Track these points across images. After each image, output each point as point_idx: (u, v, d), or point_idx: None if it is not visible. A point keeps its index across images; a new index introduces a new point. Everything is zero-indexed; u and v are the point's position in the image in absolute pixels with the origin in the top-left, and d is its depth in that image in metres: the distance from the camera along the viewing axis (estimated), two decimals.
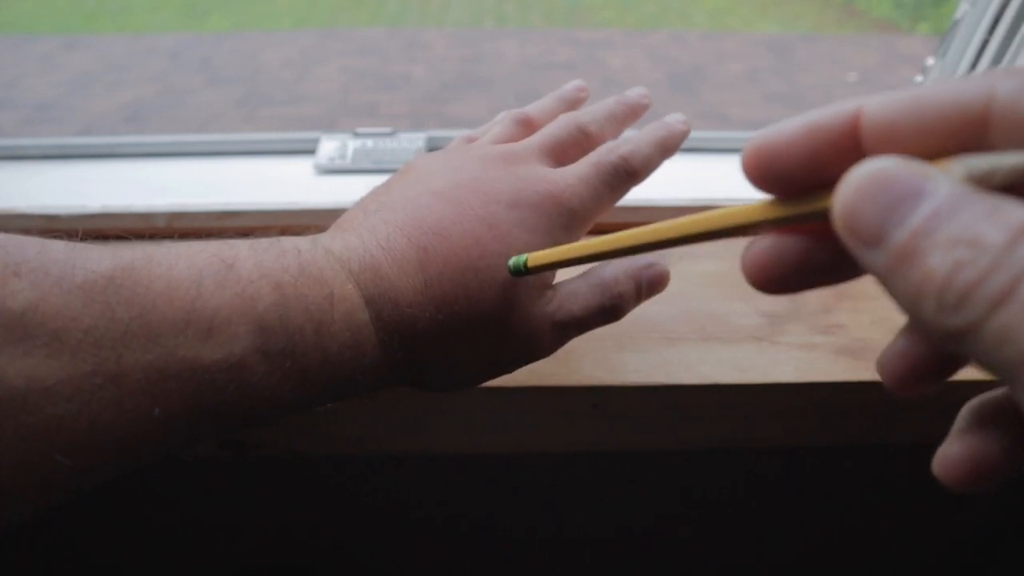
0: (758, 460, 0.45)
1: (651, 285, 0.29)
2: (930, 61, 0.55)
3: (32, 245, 0.19)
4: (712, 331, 0.38)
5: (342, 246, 0.24)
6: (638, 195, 0.46)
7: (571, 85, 0.35)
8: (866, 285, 0.41)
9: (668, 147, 0.30)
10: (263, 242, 0.23)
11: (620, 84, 3.02)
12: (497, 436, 0.38)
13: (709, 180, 0.57)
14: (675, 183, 0.56)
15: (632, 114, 0.33)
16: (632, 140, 0.29)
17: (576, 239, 0.28)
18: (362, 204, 0.27)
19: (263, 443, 0.38)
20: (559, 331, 0.28)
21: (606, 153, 0.29)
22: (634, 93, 0.33)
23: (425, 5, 4.47)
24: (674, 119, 0.31)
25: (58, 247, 0.19)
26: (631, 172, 0.29)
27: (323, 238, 0.24)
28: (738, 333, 0.38)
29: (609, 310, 0.28)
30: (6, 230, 0.45)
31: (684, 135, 0.31)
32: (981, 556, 0.52)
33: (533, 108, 0.33)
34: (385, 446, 0.39)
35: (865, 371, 0.35)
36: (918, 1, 4.27)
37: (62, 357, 0.18)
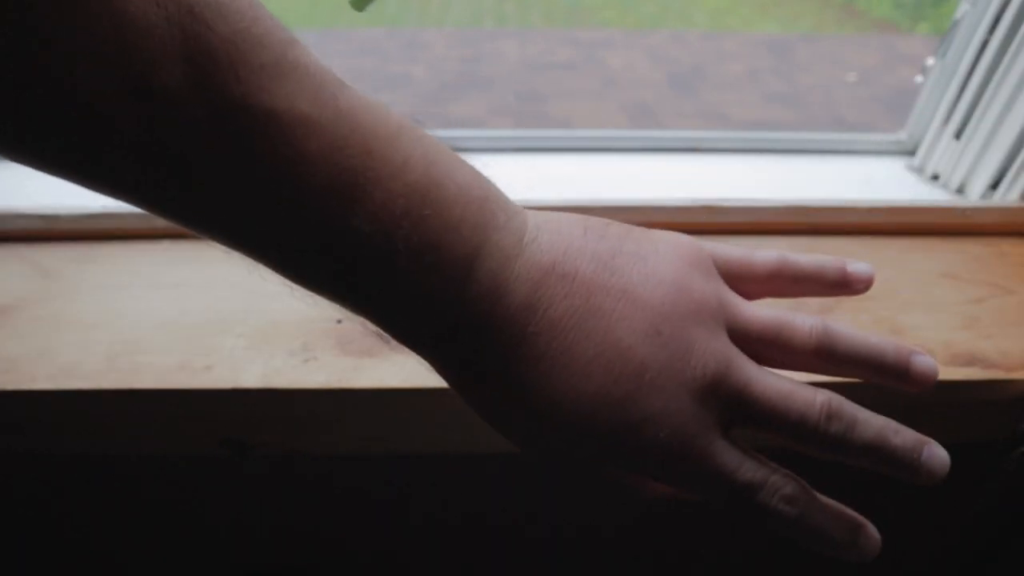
0: None
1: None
2: (930, 61, 0.55)
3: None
4: None
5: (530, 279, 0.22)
6: (638, 195, 0.46)
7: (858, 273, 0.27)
8: None
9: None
10: (498, 206, 0.22)
11: (620, 84, 3.02)
12: (497, 436, 0.38)
13: (709, 180, 0.57)
14: (675, 183, 0.56)
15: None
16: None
17: None
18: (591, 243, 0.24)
19: (263, 443, 0.38)
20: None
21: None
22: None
23: (425, 5, 4.47)
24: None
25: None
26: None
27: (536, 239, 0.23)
28: None
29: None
30: (7, 230, 0.45)
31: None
32: (981, 556, 0.52)
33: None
34: (385, 446, 0.39)
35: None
36: (918, 1, 4.27)
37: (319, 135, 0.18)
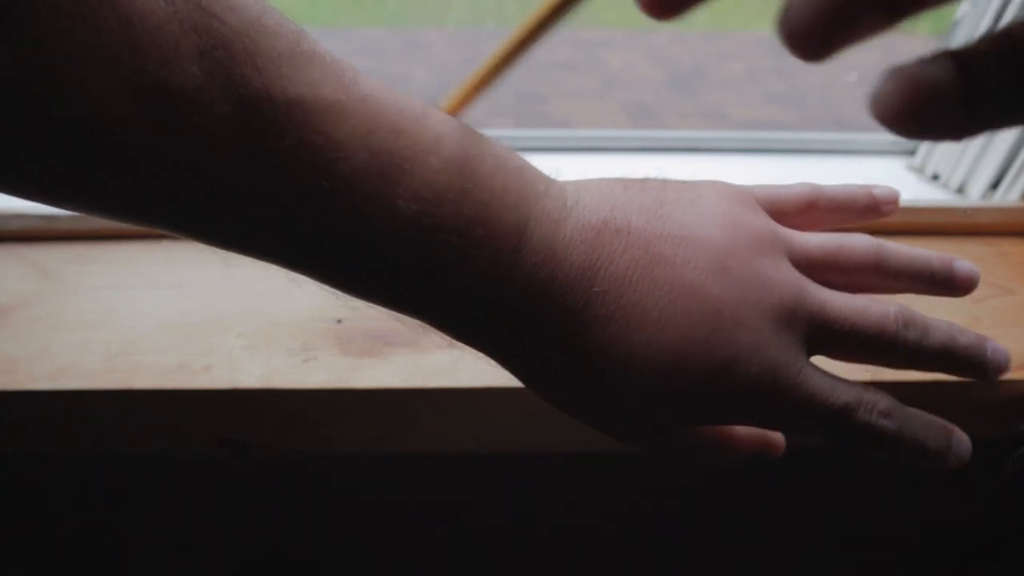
0: (758, 460, 0.45)
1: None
2: None
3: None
4: None
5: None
6: None
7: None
8: None
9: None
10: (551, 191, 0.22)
11: (620, 84, 3.02)
12: (497, 436, 0.38)
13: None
14: None
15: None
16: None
17: None
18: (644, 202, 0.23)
19: (263, 443, 0.38)
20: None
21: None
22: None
23: (425, 5, 4.47)
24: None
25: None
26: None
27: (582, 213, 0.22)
28: None
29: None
30: (6, 230, 0.45)
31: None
32: (981, 556, 0.52)
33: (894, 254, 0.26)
34: (385, 446, 0.39)
35: (865, 371, 0.35)
36: None
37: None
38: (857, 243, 0.25)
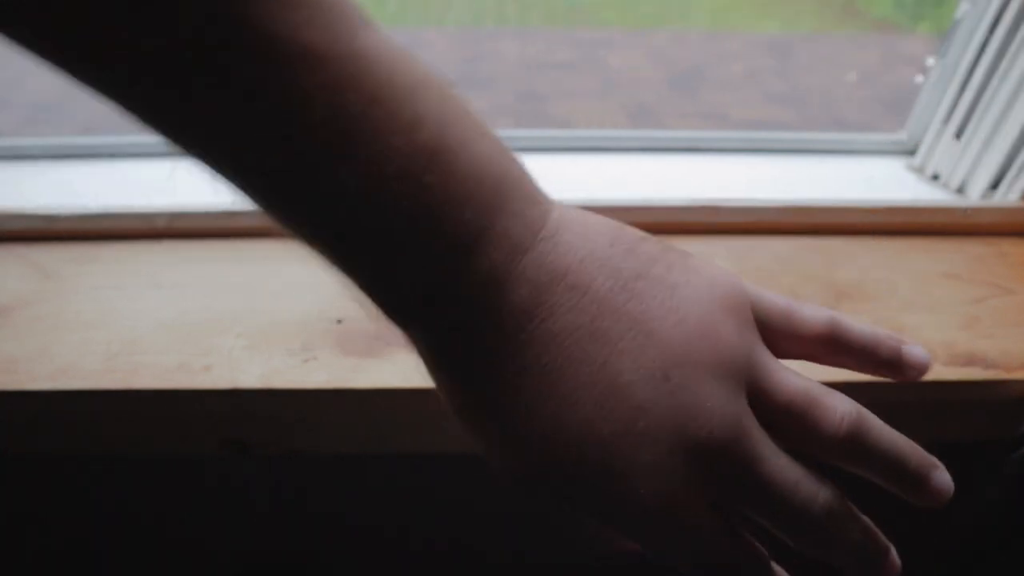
0: None
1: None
2: (930, 61, 0.55)
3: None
4: None
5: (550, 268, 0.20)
6: (638, 195, 0.46)
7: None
8: (866, 286, 0.41)
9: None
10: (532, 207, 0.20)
11: (620, 84, 3.02)
12: None
13: (709, 180, 0.57)
14: (675, 183, 0.56)
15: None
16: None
17: None
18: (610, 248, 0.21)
19: (263, 443, 0.38)
20: None
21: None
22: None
23: (425, 5, 4.47)
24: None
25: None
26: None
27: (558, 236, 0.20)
28: None
29: None
30: (6, 230, 0.45)
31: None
32: (981, 556, 0.52)
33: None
34: (385, 446, 0.39)
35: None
36: (918, 1, 4.27)
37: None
38: (831, 412, 0.22)
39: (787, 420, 0.22)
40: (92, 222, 0.44)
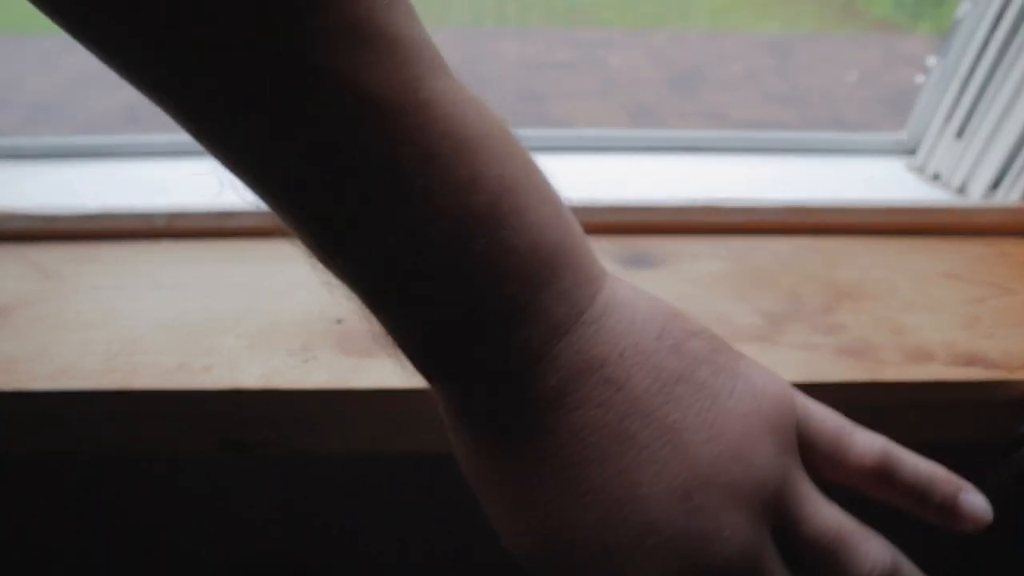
0: None
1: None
2: (931, 61, 0.55)
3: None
4: (713, 331, 0.38)
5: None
6: (639, 195, 0.46)
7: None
8: (867, 285, 0.41)
9: None
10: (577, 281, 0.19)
11: (620, 84, 3.02)
12: None
13: (709, 180, 0.57)
14: (675, 183, 0.56)
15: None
16: None
17: None
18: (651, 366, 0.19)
19: (263, 443, 0.38)
20: None
21: None
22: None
23: (425, 5, 4.48)
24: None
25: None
26: None
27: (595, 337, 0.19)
28: (739, 333, 0.38)
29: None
30: (6, 230, 0.45)
31: None
32: (981, 556, 0.52)
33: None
34: (385, 446, 0.39)
35: (866, 372, 0.35)
36: (918, 1, 4.27)
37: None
38: (862, 558, 0.20)
39: (814, 557, 0.20)
40: (92, 222, 0.44)
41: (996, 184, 0.51)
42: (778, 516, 0.20)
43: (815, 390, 0.35)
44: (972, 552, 0.52)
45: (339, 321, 0.38)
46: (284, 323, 0.38)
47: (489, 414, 0.19)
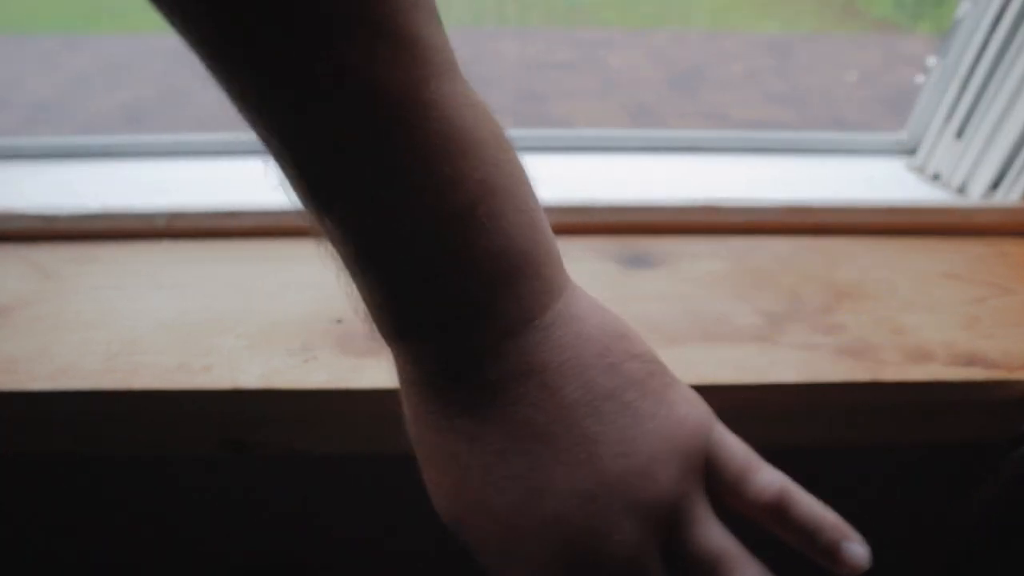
0: None
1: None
2: (931, 61, 0.55)
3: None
4: (713, 331, 0.38)
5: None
6: (639, 195, 0.46)
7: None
8: (866, 286, 0.41)
9: None
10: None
11: (620, 84, 3.02)
12: None
13: (709, 180, 0.57)
14: (675, 183, 0.56)
15: None
16: None
17: None
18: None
19: (263, 443, 0.38)
20: None
21: None
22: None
23: None
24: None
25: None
26: None
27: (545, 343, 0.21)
28: (739, 333, 0.38)
29: None
30: (6, 230, 0.45)
31: None
32: (981, 556, 0.52)
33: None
34: (385, 446, 0.39)
35: (866, 372, 0.35)
36: (918, 1, 4.27)
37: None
38: (745, 574, 0.21)
39: (695, 574, 0.22)
40: (92, 222, 0.44)
41: (996, 184, 0.51)
42: (670, 532, 0.21)
43: (815, 390, 0.35)
44: (973, 552, 0.52)
45: (339, 321, 0.38)
46: (284, 323, 0.38)
47: (433, 387, 0.21)
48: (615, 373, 0.21)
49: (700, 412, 0.23)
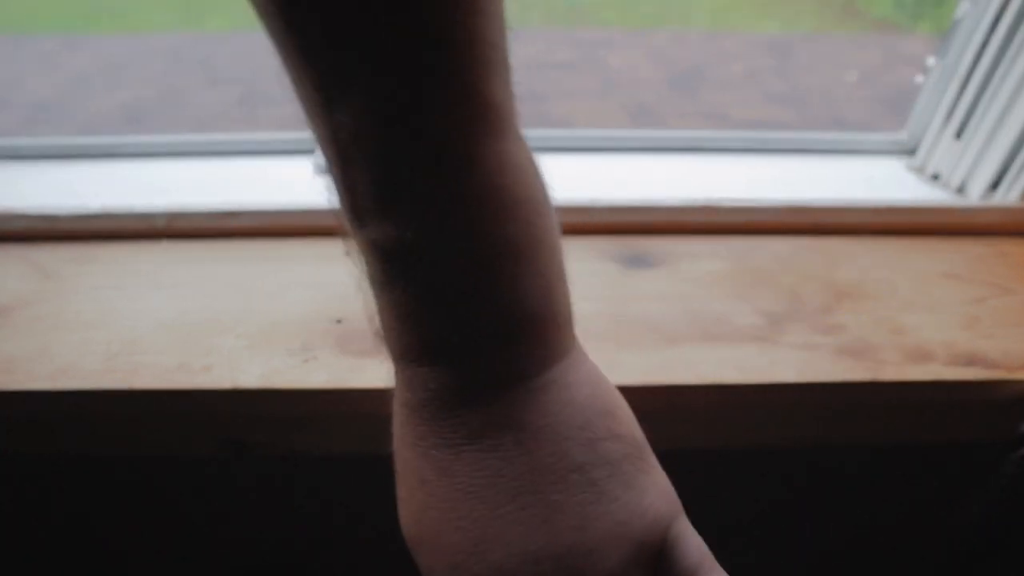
0: (758, 460, 0.45)
1: None
2: (931, 61, 0.55)
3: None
4: (713, 331, 0.38)
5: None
6: (639, 195, 0.46)
7: None
8: (866, 286, 0.41)
9: None
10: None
11: (620, 84, 3.02)
12: None
13: (709, 180, 0.57)
14: (675, 183, 0.56)
15: None
16: None
17: None
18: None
19: (263, 443, 0.38)
20: None
21: None
22: None
23: None
24: None
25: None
26: None
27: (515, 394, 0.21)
28: (739, 333, 0.38)
29: None
30: (6, 230, 0.45)
31: None
32: (981, 556, 0.52)
33: None
34: (385, 446, 0.39)
35: (865, 372, 0.35)
36: (918, 1, 4.27)
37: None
38: None
39: None
40: (92, 222, 0.44)
41: (995, 184, 0.51)
42: None
43: (815, 390, 0.35)
44: (973, 552, 0.52)
45: (339, 321, 0.38)
46: (284, 323, 0.38)
47: (418, 412, 0.22)
48: (590, 449, 0.21)
49: (665, 504, 0.23)
